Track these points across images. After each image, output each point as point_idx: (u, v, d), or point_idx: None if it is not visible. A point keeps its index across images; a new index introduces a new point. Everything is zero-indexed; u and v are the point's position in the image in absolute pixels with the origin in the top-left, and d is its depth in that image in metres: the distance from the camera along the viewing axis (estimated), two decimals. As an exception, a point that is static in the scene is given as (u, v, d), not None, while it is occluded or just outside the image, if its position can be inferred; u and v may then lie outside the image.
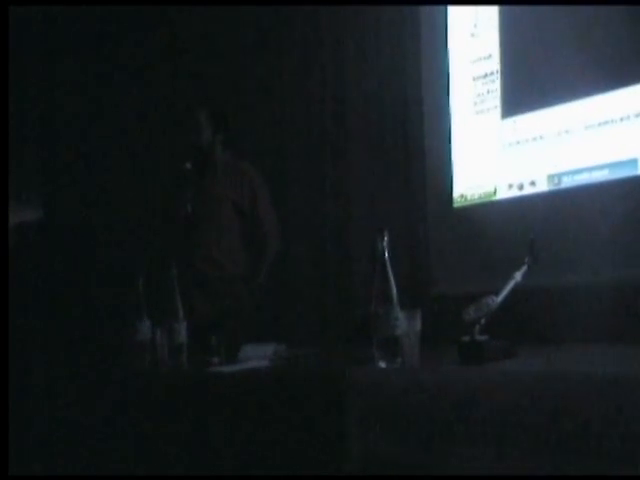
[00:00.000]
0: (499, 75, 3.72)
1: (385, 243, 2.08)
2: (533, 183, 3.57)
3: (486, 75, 3.78)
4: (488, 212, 3.73)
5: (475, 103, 3.82)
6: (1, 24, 3.29)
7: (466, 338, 2.06)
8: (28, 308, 4.92)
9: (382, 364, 2.04)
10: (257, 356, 2.70)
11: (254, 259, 3.93)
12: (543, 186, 3.53)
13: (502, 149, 3.70)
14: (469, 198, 3.83)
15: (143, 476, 2.60)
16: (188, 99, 4.73)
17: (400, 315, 2.05)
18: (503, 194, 3.69)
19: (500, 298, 2.12)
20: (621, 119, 3.26)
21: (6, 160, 3.28)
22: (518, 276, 2.20)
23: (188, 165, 3.90)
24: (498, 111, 3.72)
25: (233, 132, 4.11)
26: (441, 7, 3.98)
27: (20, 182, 5.45)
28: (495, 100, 3.73)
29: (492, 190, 3.73)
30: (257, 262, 3.90)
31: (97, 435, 2.83)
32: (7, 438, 2.74)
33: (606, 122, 3.31)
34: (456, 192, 3.87)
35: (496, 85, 3.73)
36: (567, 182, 3.45)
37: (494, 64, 3.75)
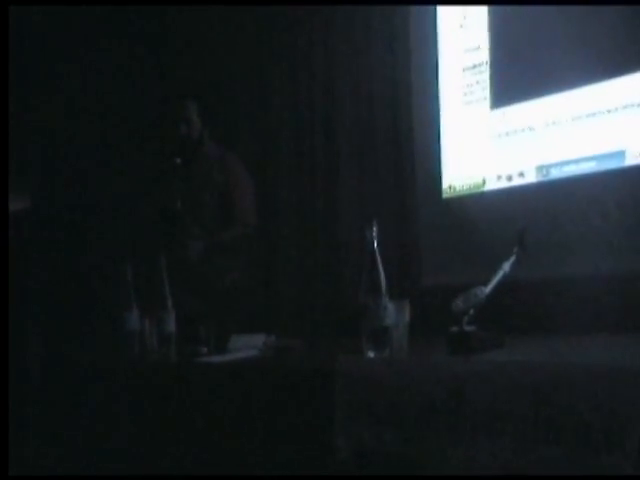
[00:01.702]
0: (488, 66, 3.73)
1: (374, 234, 2.08)
2: (522, 174, 3.58)
3: (475, 66, 3.78)
4: (477, 203, 3.74)
5: (464, 94, 3.83)
6: (1, 24, 3.26)
7: (455, 329, 2.07)
8: (16, 299, 4.90)
9: (371, 354, 2.05)
10: (246, 346, 2.71)
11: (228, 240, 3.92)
12: (532, 177, 3.55)
13: (491, 140, 3.71)
14: (458, 189, 3.84)
15: (139, 476, 2.60)
16: (177, 93, 4.71)
17: (389, 306, 2.06)
18: (492, 185, 3.70)
19: (489, 289, 2.13)
20: (609, 111, 3.27)
21: (6, 160, 3.26)
22: (507, 267, 2.20)
23: (178, 160, 3.90)
24: (487, 102, 3.73)
25: (220, 124, 4.10)
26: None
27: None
28: (484, 91, 3.74)
29: (481, 181, 3.74)
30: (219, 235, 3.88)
31: (86, 426, 2.82)
32: (7, 438, 2.73)
33: (594, 114, 3.33)
34: (445, 183, 3.88)
35: (485, 76, 3.74)
36: (555, 173, 3.46)
37: (483, 55, 3.75)
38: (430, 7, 3.98)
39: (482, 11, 3.76)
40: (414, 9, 4.07)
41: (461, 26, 3.87)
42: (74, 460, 2.82)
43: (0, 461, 2.66)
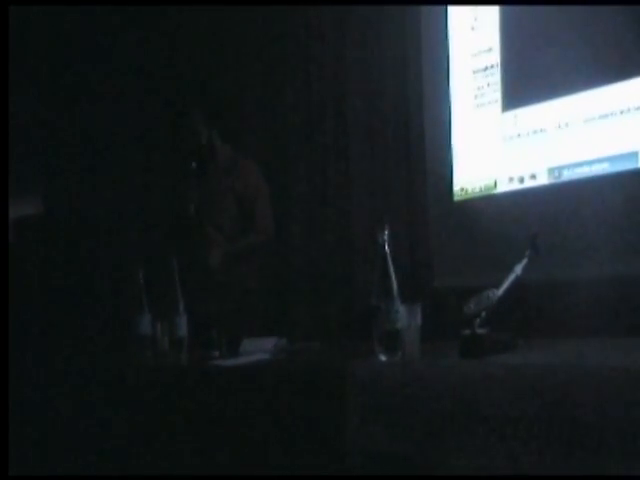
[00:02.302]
0: (499, 68, 3.72)
1: (386, 237, 2.08)
2: (534, 176, 3.57)
3: (486, 68, 3.77)
4: (489, 205, 3.72)
5: (475, 96, 3.82)
6: (1, 24, 3.26)
7: (467, 331, 2.06)
8: (29, 303, 4.93)
9: (383, 358, 2.04)
10: (258, 350, 2.70)
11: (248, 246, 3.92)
12: (543, 179, 3.53)
13: (502, 142, 3.69)
14: (470, 191, 3.83)
15: (143, 475, 2.61)
16: (185, 97, 4.72)
17: (401, 309, 2.05)
18: (504, 187, 3.69)
19: (501, 291, 2.12)
20: (621, 112, 3.26)
21: (6, 161, 3.27)
22: (519, 269, 2.19)
23: (194, 164, 3.90)
24: (499, 104, 3.71)
25: (231, 125, 4.09)
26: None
27: (20, 177, 5.45)
28: (495, 93, 3.73)
29: (492, 183, 3.73)
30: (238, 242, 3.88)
31: (98, 429, 2.83)
32: (7, 438, 2.73)
33: (606, 115, 3.31)
34: (457, 185, 3.87)
35: (496, 78, 3.73)
36: (567, 175, 3.45)
37: (494, 57, 3.74)
38: (441, 9, 3.97)
39: (493, 13, 3.75)
40: (425, 11, 4.06)
41: (472, 28, 3.86)
42: (85, 465, 2.82)
43: (0, 461, 2.66)
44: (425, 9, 4.07)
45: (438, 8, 3.98)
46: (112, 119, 5.35)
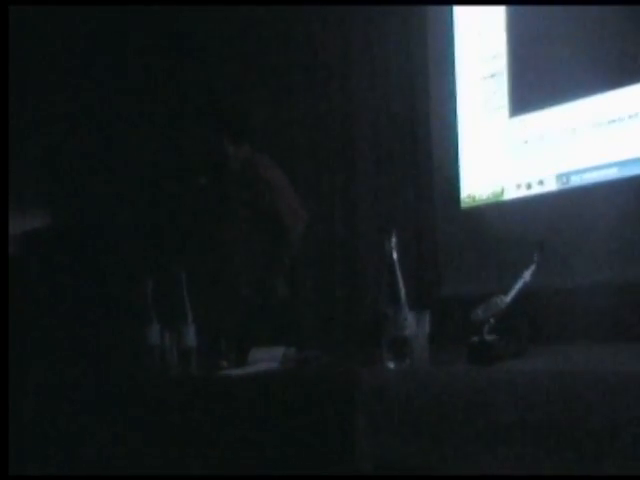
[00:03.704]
0: (506, 74, 3.71)
1: (393, 244, 2.07)
2: (541, 182, 3.56)
3: (493, 74, 3.77)
4: (496, 212, 3.72)
5: (482, 102, 3.81)
6: (1, 24, 3.26)
7: (475, 338, 2.05)
8: (38, 314, 4.93)
9: (391, 365, 2.04)
10: (266, 359, 2.70)
11: (277, 251, 3.87)
12: (552, 185, 3.52)
13: (510, 148, 3.69)
14: (477, 198, 3.82)
15: (143, 476, 2.60)
16: (195, 108, 4.72)
17: (409, 316, 2.05)
18: (511, 194, 3.68)
19: (509, 298, 2.11)
20: (629, 117, 3.25)
21: (6, 163, 3.27)
22: (527, 276, 2.19)
23: (202, 179, 3.87)
24: (506, 110, 3.71)
25: (244, 126, 4.04)
26: (448, 8, 3.98)
27: (28, 189, 5.47)
28: (503, 99, 3.72)
29: (500, 190, 3.72)
30: (280, 253, 3.84)
31: (107, 439, 2.83)
32: (7, 438, 2.73)
33: (614, 120, 3.30)
34: (464, 192, 3.87)
35: (503, 84, 3.72)
36: (576, 181, 3.44)
37: (501, 63, 3.74)
38: (447, 15, 3.97)
39: (500, 18, 3.74)
40: (431, 18, 4.07)
41: (479, 34, 3.86)
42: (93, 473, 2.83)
43: (0, 461, 2.65)
44: (431, 16, 4.07)
45: (444, 15, 3.98)
46: (120, 132, 5.37)
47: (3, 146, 3.31)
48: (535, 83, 3.59)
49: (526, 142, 3.63)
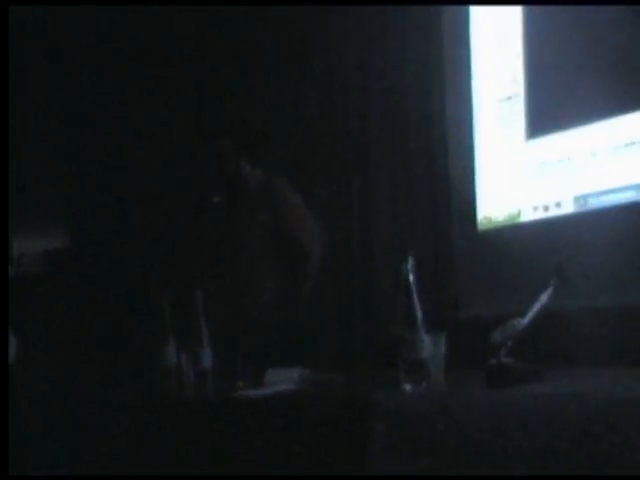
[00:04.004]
0: (524, 96, 3.72)
1: (410, 266, 2.07)
2: (559, 204, 3.55)
3: (510, 97, 3.77)
4: (513, 234, 3.71)
5: (499, 124, 3.82)
6: (1, 24, 3.27)
7: (492, 361, 2.05)
8: (56, 331, 4.95)
9: (408, 387, 2.03)
10: (282, 380, 2.70)
11: (295, 275, 3.86)
12: (569, 208, 3.51)
13: (527, 170, 3.69)
14: (494, 220, 3.81)
15: (144, 476, 2.60)
16: (212, 126, 4.73)
17: (425, 338, 2.04)
18: (528, 216, 3.68)
19: (526, 320, 2.11)
20: (647, 140, 3.24)
21: (6, 165, 3.29)
22: (544, 298, 2.18)
23: (216, 198, 3.87)
24: (523, 132, 3.71)
25: (262, 146, 4.04)
26: (464, 29, 3.98)
27: (46, 210, 5.51)
28: (519, 121, 3.72)
29: (516, 212, 3.71)
30: (299, 278, 3.83)
31: (122, 461, 2.82)
32: (7, 438, 2.73)
33: (632, 143, 3.29)
34: (480, 214, 3.86)
35: (520, 106, 3.73)
36: (593, 203, 3.43)
37: (519, 85, 3.74)
38: (464, 37, 3.98)
39: (517, 40, 3.75)
40: (448, 41, 4.08)
41: (496, 56, 3.87)
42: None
43: (0, 461, 2.65)
44: (448, 40, 4.09)
45: (462, 38, 4.00)
46: (137, 151, 5.40)
47: (3, 153, 3.32)
48: (552, 105, 3.59)
49: (543, 164, 3.63)
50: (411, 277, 2.07)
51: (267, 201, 3.80)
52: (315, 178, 4.77)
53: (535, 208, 3.65)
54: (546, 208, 3.60)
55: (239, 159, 3.86)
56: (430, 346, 2.06)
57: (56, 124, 5.47)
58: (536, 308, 2.15)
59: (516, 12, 3.75)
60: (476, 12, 3.97)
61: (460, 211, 3.98)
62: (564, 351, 3.07)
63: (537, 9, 3.65)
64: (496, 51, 3.87)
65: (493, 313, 2.57)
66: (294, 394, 2.52)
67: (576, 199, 3.49)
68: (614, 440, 1.49)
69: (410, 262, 2.07)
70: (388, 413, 1.93)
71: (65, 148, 5.53)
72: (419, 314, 2.04)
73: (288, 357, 3.46)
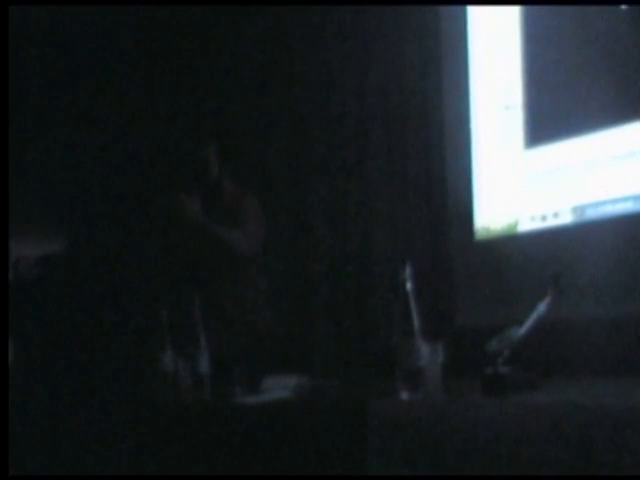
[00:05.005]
0: (521, 105, 3.72)
1: (407, 275, 2.08)
2: (556, 215, 3.55)
3: (508, 106, 3.78)
4: (510, 244, 3.71)
5: (497, 134, 3.82)
6: (1, 24, 3.27)
7: (489, 370, 2.05)
8: (53, 336, 4.95)
9: (405, 396, 2.03)
10: (279, 387, 2.70)
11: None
12: (567, 218, 3.51)
13: (525, 180, 3.69)
14: (491, 230, 3.82)
15: (143, 476, 2.59)
16: (197, 133, 4.73)
17: (423, 347, 2.05)
18: (525, 226, 3.68)
19: (524, 330, 2.11)
20: (646, 150, 3.24)
21: (6, 167, 3.29)
22: (542, 308, 2.18)
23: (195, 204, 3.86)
24: (521, 142, 3.71)
25: (242, 163, 4.06)
26: (462, 37, 3.99)
27: (44, 215, 5.51)
28: (518, 131, 3.73)
29: (514, 222, 3.72)
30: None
31: (119, 468, 2.82)
32: (7, 438, 2.72)
33: (631, 153, 3.30)
34: (478, 223, 3.86)
35: (519, 115, 3.73)
36: (591, 214, 3.43)
37: (517, 94, 3.75)
38: (462, 45, 3.98)
39: (516, 48, 3.75)
40: (446, 48, 4.08)
41: (494, 64, 3.87)
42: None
43: (0, 461, 2.65)
44: (446, 48, 4.09)
45: (460, 45, 4.00)
46: (137, 156, 5.41)
47: (3, 156, 3.32)
48: (551, 115, 3.59)
49: (541, 174, 3.63)
50: (409, 285, 2.07)
51: (236, 217, 3.81)
52: (311, 187, 4.77)
53: (533, 218, 3.65)
54: (544, 218, 3.60)
55: (221, 166, 3.86)
56: (427, 354, 2.06)
57: (54, 129, 5.48)
58: (533, 318, 2.15)
59: (514, 19, 3.76)
60: (474, 16, 3.97)
61: (458, 220, 3.98)
62: (561, 361, 3.07)
63: (536, 18, 3.65)
64: (494, 59, 3.87)
65: (490, 322, 2.57)
66: (291, 401, 2.53)
67: (574, 209, 3.49)
68: (611, 449, 1.49)
69: (407, 270, 2.08)
70: (385, 421, 1.93)
71: (62, 153, 5.53)
72: (416, 322, 2.04)
73: (285, 364, 3.46)
